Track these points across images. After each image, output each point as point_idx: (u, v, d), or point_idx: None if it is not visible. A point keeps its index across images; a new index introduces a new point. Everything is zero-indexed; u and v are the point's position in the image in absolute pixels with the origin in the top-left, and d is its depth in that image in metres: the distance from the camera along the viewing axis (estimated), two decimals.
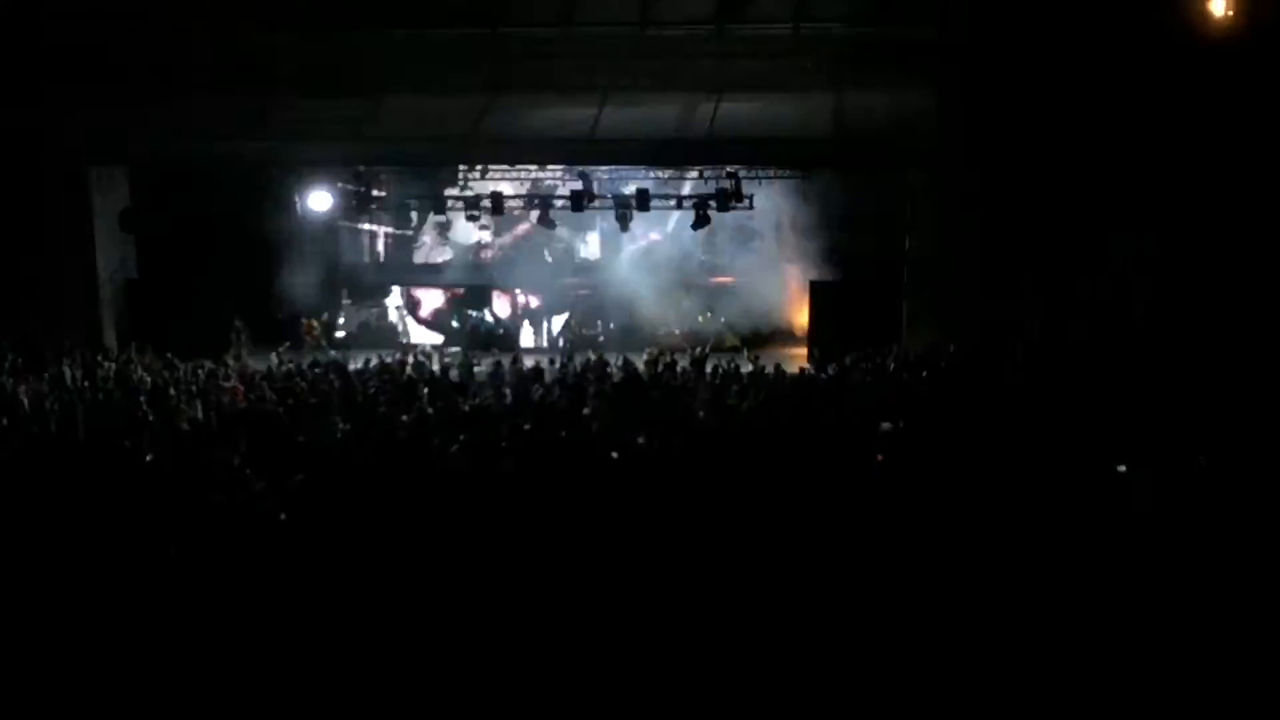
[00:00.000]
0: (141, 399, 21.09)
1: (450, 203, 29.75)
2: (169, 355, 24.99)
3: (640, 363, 25.25)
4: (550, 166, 29.64)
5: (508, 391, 22.36)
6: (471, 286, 32.43)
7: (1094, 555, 13.40)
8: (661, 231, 31.93)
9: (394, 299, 32.80)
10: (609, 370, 24.32)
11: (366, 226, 32.85)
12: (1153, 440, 17.10)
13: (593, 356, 25.73)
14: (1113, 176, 24.89)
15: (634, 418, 19.84)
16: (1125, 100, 24.54)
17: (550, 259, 32.73)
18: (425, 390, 22.21)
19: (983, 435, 17.91)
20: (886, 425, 18.23)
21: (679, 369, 24.58)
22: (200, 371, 23.99)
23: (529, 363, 25.31)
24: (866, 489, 15.84)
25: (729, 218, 29.59)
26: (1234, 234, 24.58)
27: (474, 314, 32.07)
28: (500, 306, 32.54)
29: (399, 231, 31.75)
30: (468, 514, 14.85)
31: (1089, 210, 25.20)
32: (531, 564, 13.23)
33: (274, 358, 26.34)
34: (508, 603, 12.46)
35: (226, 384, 22.97)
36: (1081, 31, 24.74)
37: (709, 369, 24.60)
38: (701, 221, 28.36)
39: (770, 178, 29.41)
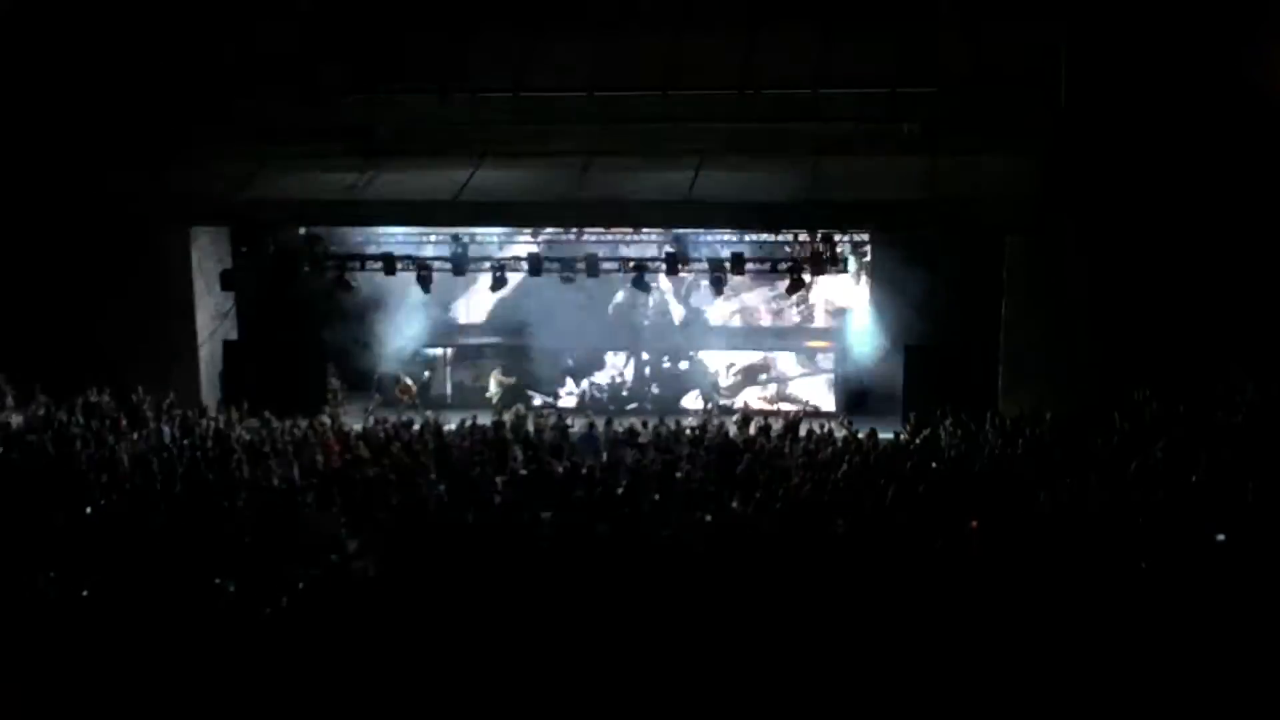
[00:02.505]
0: (237, 458, 21.30)
1: (546, 264, 29.79)
2: (265, 414, 25.19)
3: (733, 426, 25.20)
4: (645, 230, 29.66)
5: (603, 454, 22.37)
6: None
7: (1194, 627, 13.22)
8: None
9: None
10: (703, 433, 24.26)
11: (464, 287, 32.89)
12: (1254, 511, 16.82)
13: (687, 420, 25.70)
14: (1218, 251, 24.59)
15: (728, 482, 19.80)
16: (1227, 164, 24.27)
17: (647, 321, 32.55)
18: (519, 451, 22.29)
19: (1078, 504, 17.70)
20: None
21: (772, 433, 24.49)
22: (296, 430, 24.18)
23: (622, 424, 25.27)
24: (958, 559, 15.69)
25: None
26: None
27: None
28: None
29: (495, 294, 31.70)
30: (561, 579, 14.85)
31: (1191, 278, 24.88)
32: (624, 630, 13.19)
33: (368, 417, 26.55)
34: (600, 669, 12.44)
35: (321, 443, 23.14)
36: (1181, 96, 24.54)
37: (803, 433, 24.49)
38: (796, 286, 28.28)
39: (865, 242, 29.33)
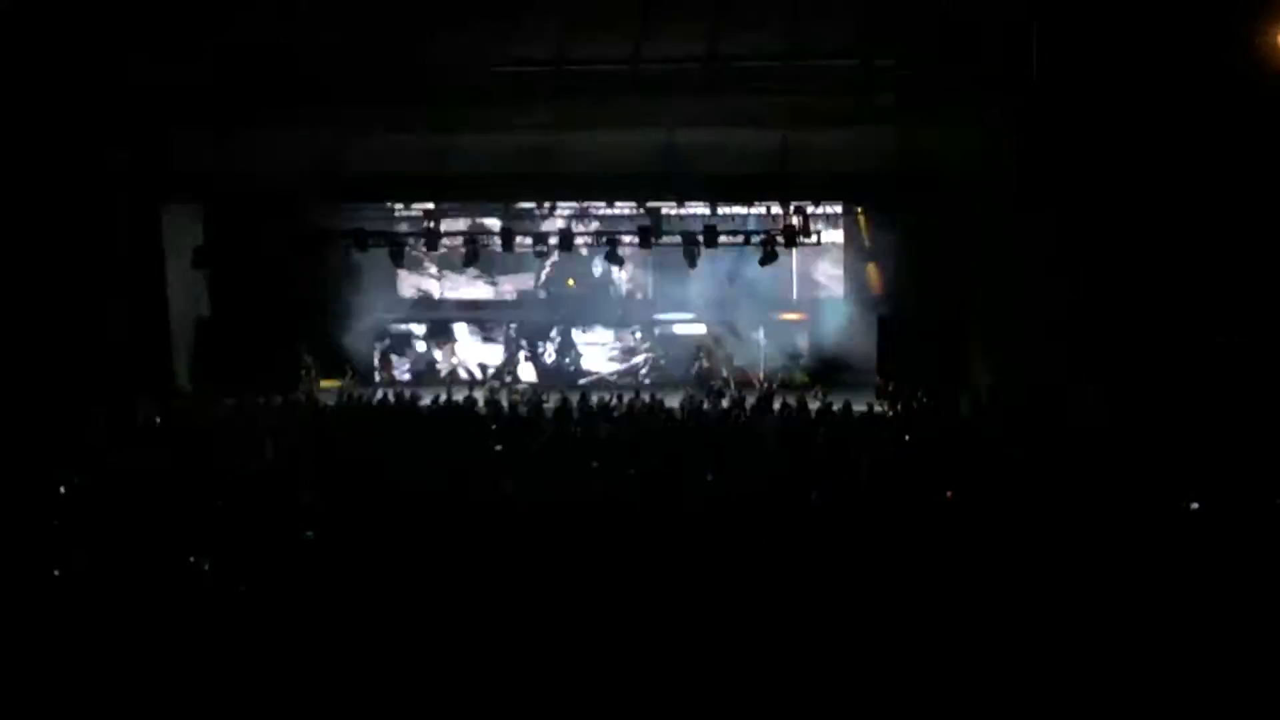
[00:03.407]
0: (212, 436, 21.26)
1: (518, 239, 29.75)
2: (240, 392, 25.13)
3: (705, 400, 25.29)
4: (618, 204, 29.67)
5: (576, 429, 22.37)
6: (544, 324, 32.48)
7: (1167, 592, 13.27)
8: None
9: (462, 335, 32.81)
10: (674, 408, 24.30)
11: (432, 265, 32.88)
12: (1228, 480, 16.91)
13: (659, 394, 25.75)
14: (1186, 217, 24.64)
15: (702, 456, 19.83)
16: (1197, 138, 24.31)
17: (617, 296, 32.61)
18: (494, 428, 22.30)
19: (1055, 474, 17.78)
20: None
21: (747, 405, 24.55)
22: (271, 408, 24.16)
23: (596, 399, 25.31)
24: (936, 528, 15.74)
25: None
26: None
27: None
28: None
29: (468, 269, 31.62)
30: (534, 553, 14.85)
31: (1162, 251, 24.93)
32: (597, 607, 13.20)
33: (342, 394, 26.54)
34: (576, 642, 12.45)
35: (296, 420, 23.13)
36: (1151, 69, 24.57)
37: (776, 406, 24.56)
38: (769, 258, 28.29)
39: (838, 214, 29.38)
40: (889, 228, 28.77)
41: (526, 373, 31.82)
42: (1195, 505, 16.18)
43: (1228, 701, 11.14)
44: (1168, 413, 20.81)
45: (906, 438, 21.18)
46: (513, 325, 32.46)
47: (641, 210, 29.09)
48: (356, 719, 11.55)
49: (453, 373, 32.11)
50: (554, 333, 32.33)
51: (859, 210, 29.64)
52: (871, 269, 30.07)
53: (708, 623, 12.81)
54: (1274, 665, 11.61)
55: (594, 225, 30.53)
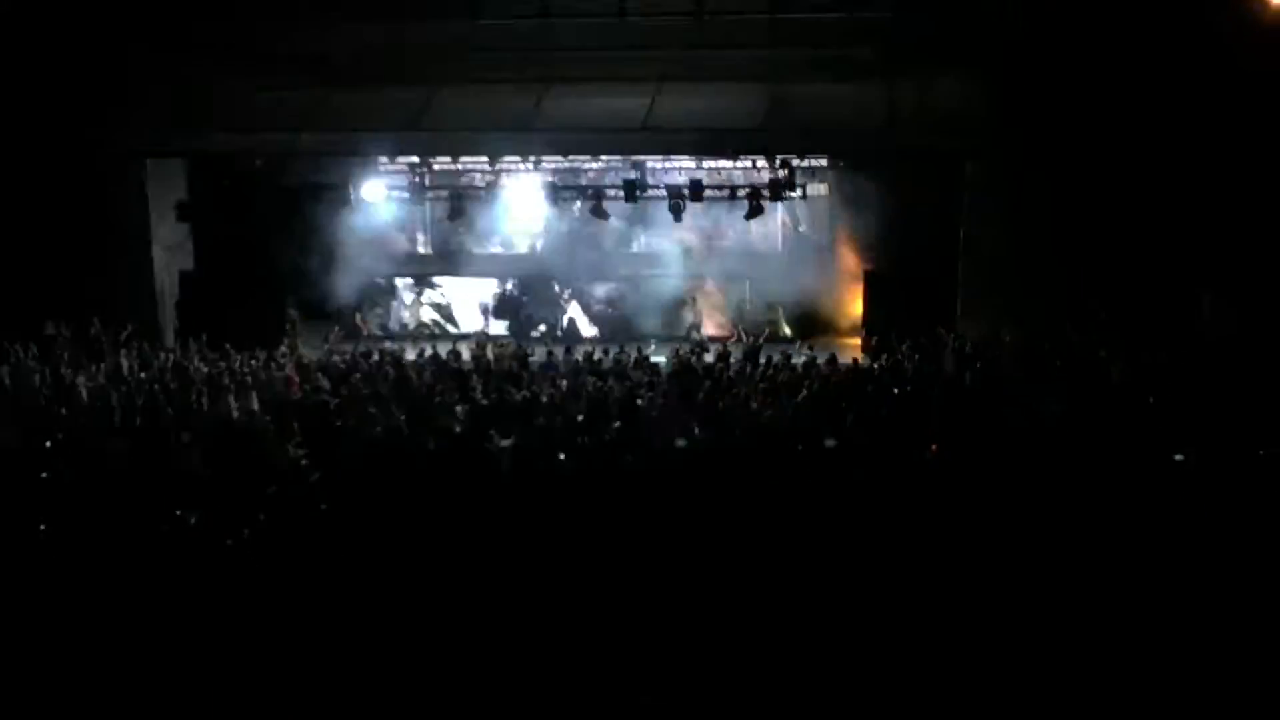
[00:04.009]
0: (196, 390, 21.20)
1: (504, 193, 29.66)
2: (225, 346, 25.07)
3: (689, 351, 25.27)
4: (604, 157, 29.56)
5: (562, 383, 22.34)
6: (530, 278, 32.40)
7: (1152, 543, 13.35)
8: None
9: (447, 289, 32.73)
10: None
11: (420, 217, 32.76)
12: (1214, 431, 16.98)
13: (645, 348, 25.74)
14: (1173, 170, 24.62)
15: (688, 410, 19.83)
16: (1186, 93, 24.28)
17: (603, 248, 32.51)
18: (479, 381, 22.25)
19: (1042, 424, 17.83)
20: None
21: (732, 360, 24.53)
22: (255, 362, 24.10)
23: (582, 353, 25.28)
24: (921, 482, 15.79)
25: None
26: None
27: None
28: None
29: (450, 223, 31.47)
30: (520, 508, 14.89)
31: (1148, 204, 24.92)
32: (581, 559, 13.23)
33: (326, 348, 26.48)
34: (561, 593, 12.48)
35: (281, 375, 23.08)
36: (1138, 24, 24.51)
37: (762, 360, 24.55)
38: (755, 211, 28.22)
39: (824, 167, 29.32)
40: (876, 183, 28.68)
41: (498, 328, 31.78)
42: (1180, 457, 16.27)
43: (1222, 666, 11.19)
44: (1156, 366, 20.87)
45: (894, 390, 21.18)
46: (510, 281, 32.43)
47: (629, 165, 28.93)
48: (334, 668, 11.57)
49: (442, 328, 32.09)
50: (556, 289, 32.25)
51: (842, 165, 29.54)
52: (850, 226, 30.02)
53: (692, 578, 12.85)
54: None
55: (580, 180, 30.38)
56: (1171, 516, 14.26)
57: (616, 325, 31.29)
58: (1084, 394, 19.37)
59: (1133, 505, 14.58)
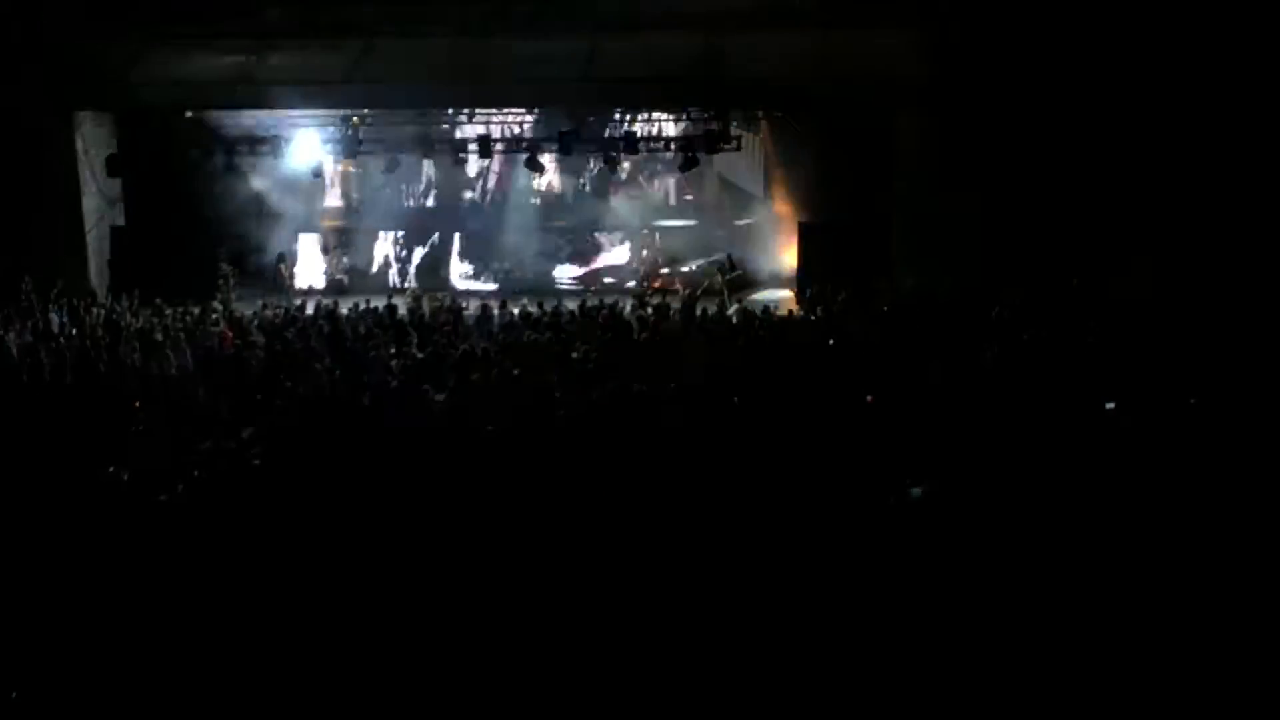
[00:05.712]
0: (129, 345, 21.05)
1: (437, 146, 29.53)
2: (157, 301, 24.89)
3: (628, 305, 25.25)
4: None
5: (498, 335, 22.31)
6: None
7: (1086, 493, 13.40)
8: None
9: (382, 243, 32.62)
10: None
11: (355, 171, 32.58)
12: (1144, 381, 17.12)
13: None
14: (1110, 125, 24.73)
15: (624, 362, 19.83)
16: (1119, 52, 24.37)
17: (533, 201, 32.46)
18: (415, 335, 22.19)
19: (972, 374, 17.93)
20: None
21: (670, 313, 24.56)
22: (188, 317, 23.95)
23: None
24: (858, 432, 15.84)
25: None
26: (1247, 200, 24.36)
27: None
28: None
29: (389, 175, 31.32)
30: (458, 461, 14.85)
31: (1085, 158, 25.02)
32: (519, 514, 13.19)
33: (260, 303, 26.33)
34: (495, 550, 12.45)
35: (215, 329, 22.96)
36: None
37: (697, 312, 24.61)
38: (689, 164, 28.22)
39: (758, 119, 29.34)
40: (810, 133, 28.70)
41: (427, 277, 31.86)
42: (1110, 405, 16.38)
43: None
44: (1085, 316, 21.03)
45: (829, 341, 21.24)
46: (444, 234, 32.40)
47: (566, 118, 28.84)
48: (270, 627, 11.51)
49: (377, 279, 32.04)
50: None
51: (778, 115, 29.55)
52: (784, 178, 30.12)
53: (627, 531, 12.83)
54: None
55: (515, 131, 30.28)
56: (1105, 463, 14.36)
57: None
58: (1012, 347, 19.50)
59: (1067, 451, 14.67)
